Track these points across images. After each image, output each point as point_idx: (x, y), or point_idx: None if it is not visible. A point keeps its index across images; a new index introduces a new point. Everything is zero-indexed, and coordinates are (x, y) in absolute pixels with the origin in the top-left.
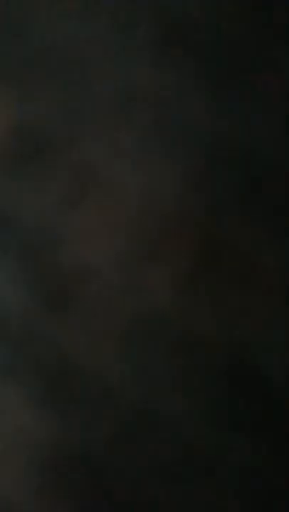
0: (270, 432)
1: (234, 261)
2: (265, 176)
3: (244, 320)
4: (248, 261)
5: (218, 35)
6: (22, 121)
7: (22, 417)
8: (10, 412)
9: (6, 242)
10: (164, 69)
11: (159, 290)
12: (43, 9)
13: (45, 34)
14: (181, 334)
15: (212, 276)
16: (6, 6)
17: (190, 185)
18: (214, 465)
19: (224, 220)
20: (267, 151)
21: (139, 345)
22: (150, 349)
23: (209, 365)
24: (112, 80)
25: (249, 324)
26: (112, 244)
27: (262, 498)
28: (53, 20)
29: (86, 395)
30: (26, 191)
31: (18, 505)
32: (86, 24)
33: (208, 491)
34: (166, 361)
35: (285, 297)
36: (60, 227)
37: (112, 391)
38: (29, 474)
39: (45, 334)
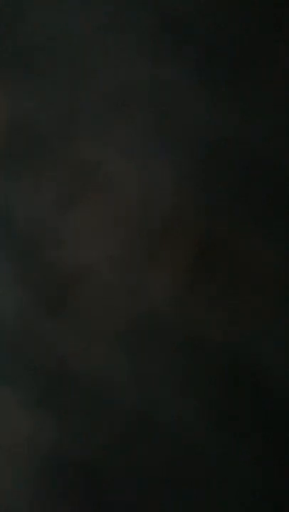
0: (271, 432)
1: (234, 261)
2: (265, 176)
3: (244, 320)
4: (248, 261)
5: (219, 33)
6: (19, 118)
7: (18, 420)
8: (5, 414)
9: (2, 241)
10: (164, 67)
11: (158, 290)
12: (40, 3)
13: (42, 29)
14: (180, 335)
15: (212, 276)
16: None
17: (189, 184)
18: (214, 465)
19: (224, 220)
20: (267, 151)
21: (139, 347)
22: (149, 350)
23: (209, 365)
24: (111, 77)
25: (249, 324)
26: (111, 245)
27: (263, 499)
28: (50, 15)
29: (84, 397)
30: (23, 190)
31: (16, 510)
32: (85, 20)
33: (209, 492)
34: (166, 362)
35: (285, 297)
36: (57, 227)
37: (110, 393)
38: (26, 479)
39: (42, 335)
